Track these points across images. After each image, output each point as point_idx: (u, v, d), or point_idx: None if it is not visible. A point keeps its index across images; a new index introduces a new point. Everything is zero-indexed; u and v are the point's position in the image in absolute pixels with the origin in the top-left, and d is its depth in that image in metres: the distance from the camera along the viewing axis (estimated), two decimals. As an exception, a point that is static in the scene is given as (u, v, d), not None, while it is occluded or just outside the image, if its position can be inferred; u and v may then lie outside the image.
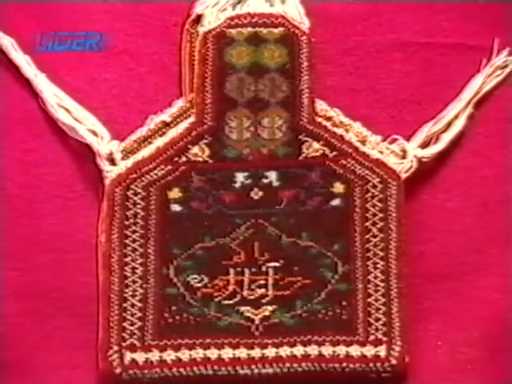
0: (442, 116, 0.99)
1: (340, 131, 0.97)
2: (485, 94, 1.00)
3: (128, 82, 0.99)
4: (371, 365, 0.95)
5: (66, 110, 0.98)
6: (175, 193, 0.96)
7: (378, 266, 0.96)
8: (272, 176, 0.96)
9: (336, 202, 0.96)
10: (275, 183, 0.96)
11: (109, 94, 0.99)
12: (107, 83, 0.99)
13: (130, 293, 0.95)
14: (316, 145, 0.96)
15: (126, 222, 0.96)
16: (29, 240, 0.97)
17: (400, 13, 1.00)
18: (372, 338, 0.95)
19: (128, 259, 0.95)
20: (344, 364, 0.95)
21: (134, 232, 0.96)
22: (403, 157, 0.98)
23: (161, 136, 0.97)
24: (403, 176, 0.97)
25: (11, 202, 0.98)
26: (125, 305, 0.95)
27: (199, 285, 0.95)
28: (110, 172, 0.96)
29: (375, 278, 0.96)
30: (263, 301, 0.95)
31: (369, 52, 1.00)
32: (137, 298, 0.95)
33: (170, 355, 0.95)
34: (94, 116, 0.97)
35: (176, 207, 0.96)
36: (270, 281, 0.96)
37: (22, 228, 0.97)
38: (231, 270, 0.96)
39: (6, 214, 0.97)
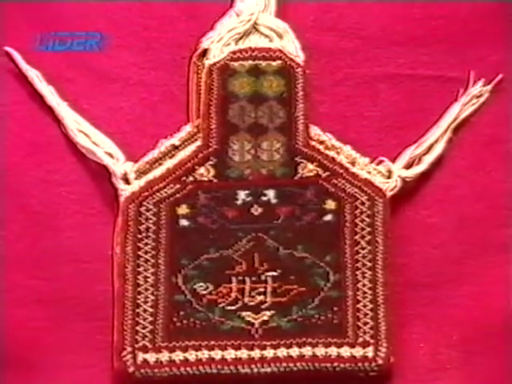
0: (424, 140, 1.01)
1: (332, 154, 0.99)
2: (462, 120, 1.02)
3: (141, 109, 1.01)
4: (360, 364, 0.97)
5: (85, 134, 1.00)
6: (183, 209, 0.98)
7: (366, 275, 0.98)
8: (270, 194, 0.98)
9: (328, 217, 0.99)
10: (273, 200, 0.98)
11: (124, 120, 1.01)
12: (123, 111, 1.01)
13: (142, 299, 0.97)
14: (310, 166, 0.99)
15: (139, 236, 0.98)
16: (51, 252, 1.00)
17: (385, 48, 1.02)
18: (360, 340, 0.97)
19: (140, 269, 0.98)
20: (335, 364, 0.97)
21: (146, 244, 0.98)
22: (389, 177, 1.00)
23: (170, 158, 0.99)
24: (389, 194, 0.99)
25: (35, 217, 1.00)
26: (137, 310, 0.97)
27: (205, 292, 0.98)
28: (125, 190, 0.98)
29: (363, 286, 0.98)
30: (262, 307, 0.98)
31: (358, 83, 1.02)
32: (148, 304, 0.97)
33: (178, 356, 0.97)
34: (111, 140, 1.00)
35: (184, 222, 0.98)
36: (269, 288, 0.98)
37: (45, 241, 1.00)
38: (233, 279, 0.98)
39: (30, 229, 1.00)
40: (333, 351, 0.98)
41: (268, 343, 0.98)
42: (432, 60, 1.03)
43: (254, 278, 0.98)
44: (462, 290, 1.01)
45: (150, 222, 0.99)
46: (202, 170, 0.99)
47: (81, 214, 1.01)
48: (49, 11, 1.01)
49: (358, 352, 0.98)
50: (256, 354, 0.97)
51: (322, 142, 1.00)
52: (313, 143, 1.00)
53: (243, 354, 0.97)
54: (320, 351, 0.98)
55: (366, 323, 0.98)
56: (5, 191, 1.00)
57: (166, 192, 0.99)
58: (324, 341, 0.98)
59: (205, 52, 1.01)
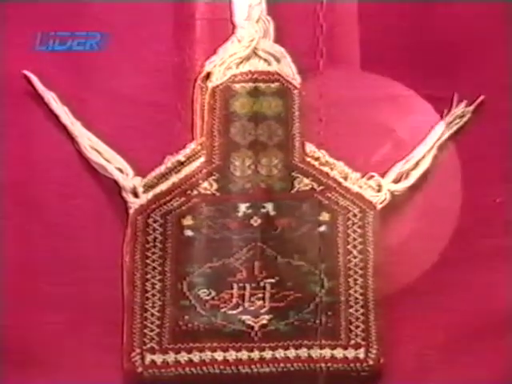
0: (411, 157, 1.03)
1: (326, 169, 1.02)
2: (447, 138, 1.04)
3: (150, 128, 1.02)
4: (352, 365, 1.00)
5: (98, 151, 1.01)
6: (188, 220, 1.00)
7: (358, 282, 1.00)
8: (269, 206, 1.01)
9: (323, 228, 1.01)
10: (272, 212, 1.01)
11: (133, 138, 1.02)
12: (132, 129, 1.02)
13: (150, 304, 1.00)
14: (306, 180, 1.01)
15: (147, 245, 1.00)
16: (66, 259, 1.01)
17: (376, 71, 1.02)
18: (353, 342, 1.00)
19: (148, 276, 1.00)
20: (329, 364, 0.99)
21: (153, 253, 1.00)
22: (379, 191, 1.02)
23: (176, 173, 1.01)
24: (379, 207, 1.02)
25: (52, 228, 1.01)
26: (145, 314, 1.00)
27: (208, 298, 1.00)
28: (134, 203, 1.01)
29: (355, 292, 1.00)
30: (261, 311, 1.00)
31: (349, 104, 1.02)
32: (156, 308, 1.00)
33: (183, 357, 0.99)
34: (121, 156, 1.02)
35: (189, 232, 1.01)
36: (267, 294, 1.00)
37: (60, 249, 1.01)
38: (235, 286, 1.00)
39: (47, 239, 1.01)
40: (327, 352, 1.00)
41: (267, 345, 1.00)
42: (420, 82, 1.04)
43: (253, 285, 1.00)
44: (447, 295, 1.03)
45: (157, 232, 1.01)
46: (205, 185, 1.01)
47: (93, 225, 1.02)
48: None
49: (350, 353, 1.00)
50: (255, 355, 1.00)
51: (316, 159, 1.02)
52: (308, 159, 1.02)
53: (243, 355, 1.00)
54: (315, 353, 1.00)
55: (357, 326, 1.01)
56: (23, 204, 1.02)
57: (172, 205, 1.01)
58: (319, 343, 1.00)
59: (208, 75, 1.03)
